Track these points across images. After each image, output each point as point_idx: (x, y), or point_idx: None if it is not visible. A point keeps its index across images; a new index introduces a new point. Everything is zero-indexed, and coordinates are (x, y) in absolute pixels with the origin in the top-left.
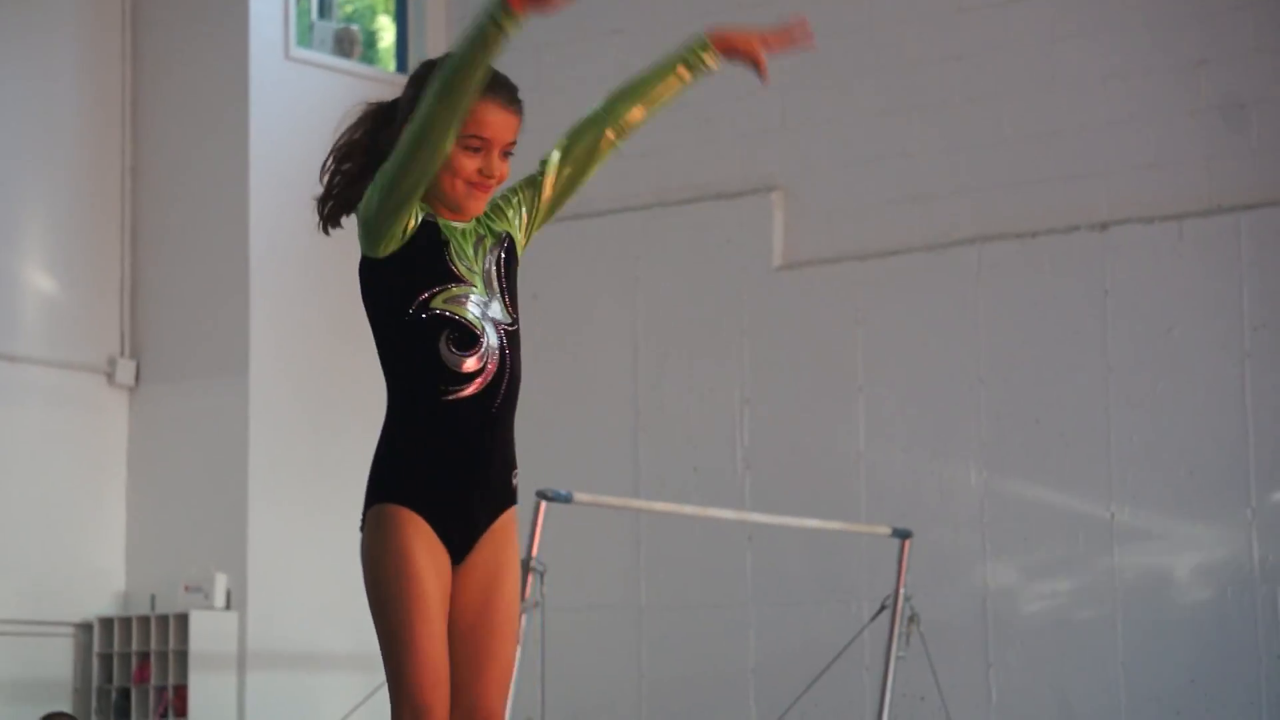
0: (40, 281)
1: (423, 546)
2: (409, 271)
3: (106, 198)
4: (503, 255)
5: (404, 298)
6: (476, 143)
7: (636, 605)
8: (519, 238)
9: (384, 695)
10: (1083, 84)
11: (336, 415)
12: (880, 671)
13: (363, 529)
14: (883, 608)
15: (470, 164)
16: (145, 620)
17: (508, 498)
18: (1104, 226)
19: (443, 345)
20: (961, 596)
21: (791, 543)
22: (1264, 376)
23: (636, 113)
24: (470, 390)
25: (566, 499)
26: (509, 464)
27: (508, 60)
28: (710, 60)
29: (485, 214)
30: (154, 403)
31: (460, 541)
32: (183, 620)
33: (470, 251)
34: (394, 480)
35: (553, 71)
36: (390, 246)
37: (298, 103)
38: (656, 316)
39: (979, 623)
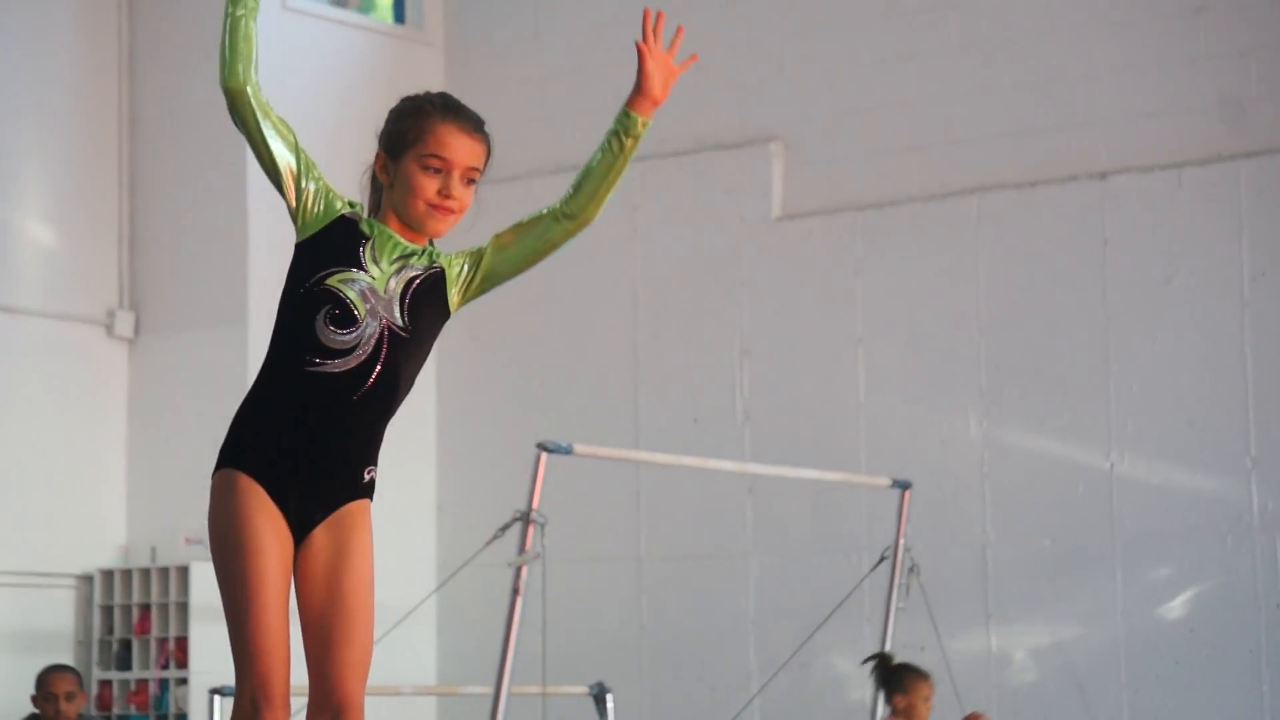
0: (39, 233)
1: (264, 516)
2: (319, 254)
3: (104, 149)
4: (424, 278)
5: (308, 272)
6: (437, 163)
7: (636, 556)
8: (453, 293)
9: (385, 646)
10: (1082, 32)
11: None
12: (880, 622)
13: (211, 494)
14: (882, 558)
15: (430, 185)
16: (146, 572)
17: (356, 490)
18: (1103, 175)
19: (320, 317)
20: (961, 547)
21: (791, 494)
22: (1264, 325)
23: (595, 206)
24: (333, 367)
25: (566, 451)
26: (364, 460)
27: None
28: (640, 119)
29: (448, 253)
30: (153, 354)
31: (298, 519)
32: (183, 572)
33: (388, 254)
34: (241, 446)
35: (550, 20)
36: (308, 229)
37: (295, 53)
38: (655, 268)
39: (979, 573)
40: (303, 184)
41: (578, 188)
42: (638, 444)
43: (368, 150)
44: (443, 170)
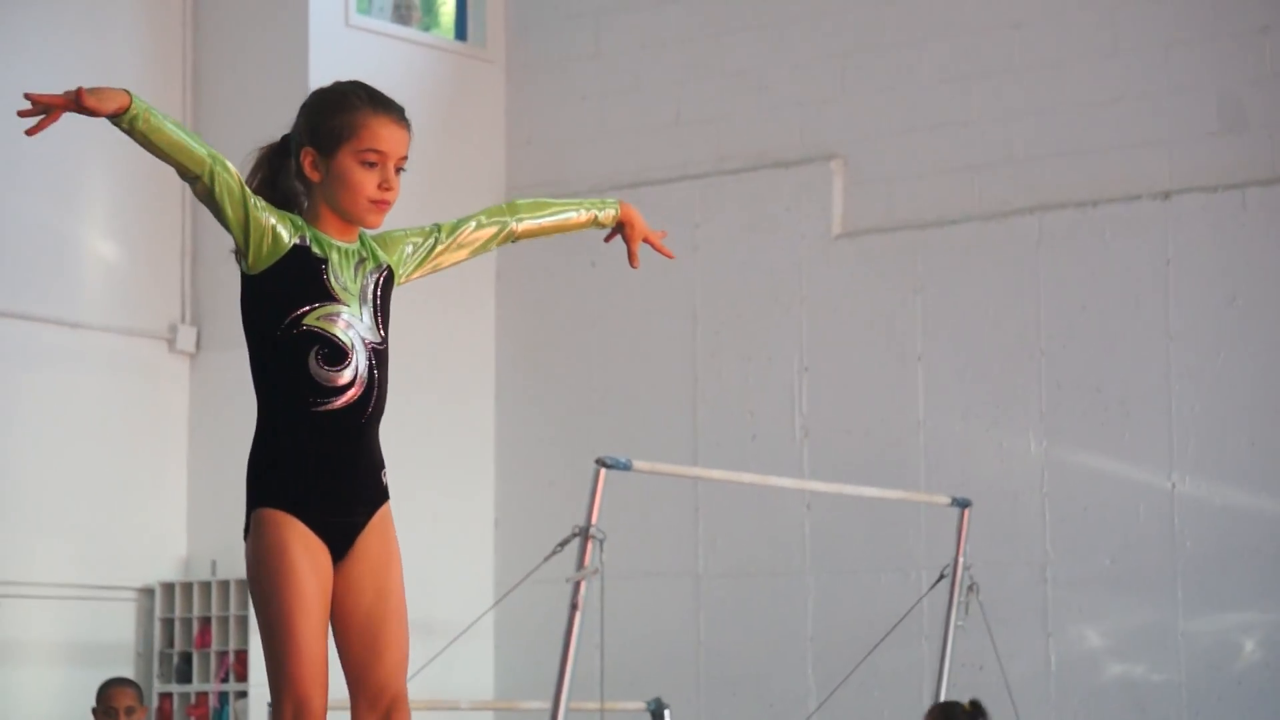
0: (102, 248)
1: (300, 546)
2: (284, 289)
3: (168, 167)
4: (380, 280)
5: (277, 314)
6: (374, 157)
7: (694, 573)
8: (398, 273)
9: (443, 661)
10: (1145, 51)
11: (391, 379)
12: (939, 641)
13: (246, 535)
14: (941, 576)
15: (370, 180)
16: (206, 585)
17: (380, 495)
18: (1166, 195)
19: (312, 360)
20: (1021, 566)
21: (850, 511)
22: None
23: (539, 229)
24: (339, 404)
25: (625, 466)
26: (377, 464)
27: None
28: (609, 223)
29: (376, 239)
30: (215, 369)
31: (339, 539)
32: (243, 586)
33: (350, 271)
34: (269, 486)
35: (612, 37)
36: (260, 264)
37: (357, 70)
38: (715, 285)
39: (1038, 592)
40: (255, 214)
41: (533, 214)
42: (696, 460)
43: (431, 165)
44: (378, 164)
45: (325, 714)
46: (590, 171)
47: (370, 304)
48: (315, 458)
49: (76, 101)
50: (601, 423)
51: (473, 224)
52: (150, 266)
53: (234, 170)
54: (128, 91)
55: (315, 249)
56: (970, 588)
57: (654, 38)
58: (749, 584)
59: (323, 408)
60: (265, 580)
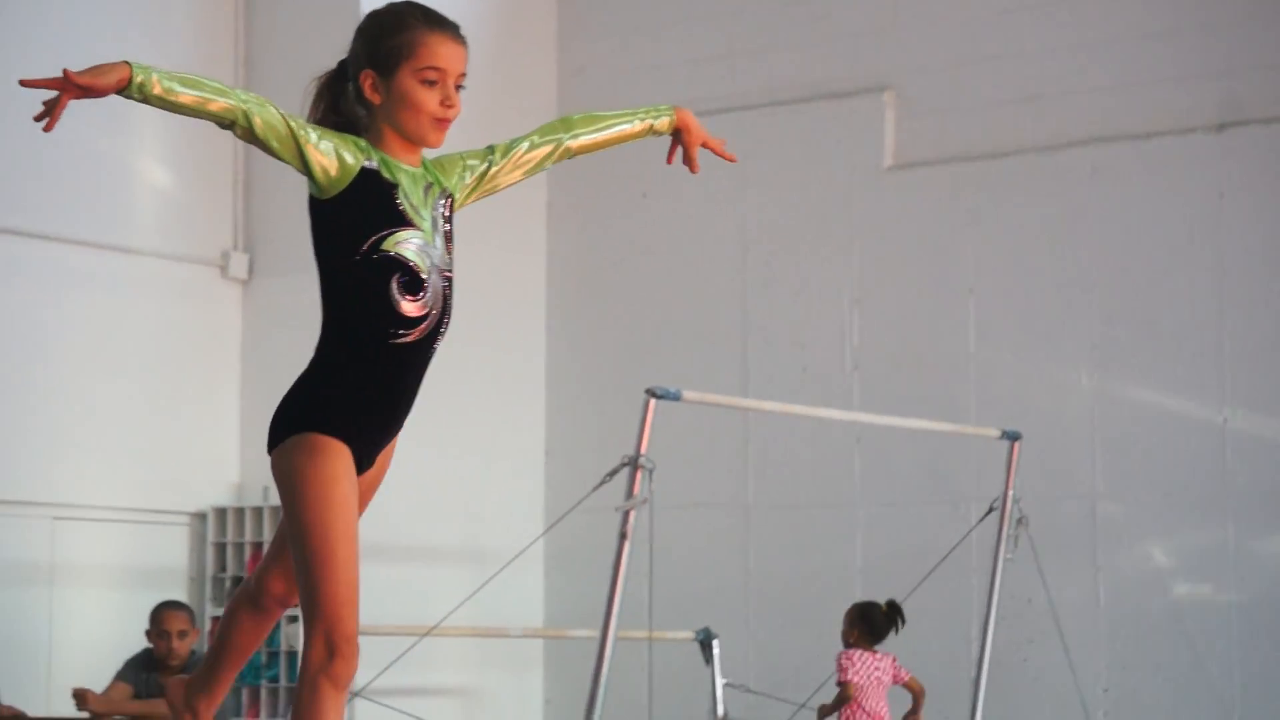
0: (155, 175)
1: (348, 479)
2: (358, 213)
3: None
4: (447, 207)
5: (353, 239)
6: (433, 74)
7: (744, 504)
8: (458, 199)
9: (493, 589)
10: None
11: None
12: (988, 574)
13: (278, 449)
14: (991, 509)
15: (431, 98)
16: (258, 510)
17: None
18: (1220, 128)
19: (393, 288)
20: (1071, 499)
21: (900, 444)
22: None
23: (595, 143)
24: (414, 335)
25: (675, 397)
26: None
27: None
28: (665, 130)
29: (434, 164)
30: (267, 295)
31: (364, 463)
32: None
33: (420, 195)
34: (326, 412)
35: None
36: (331, 189)
37: None
38: (766, 217)
39: (1088, 526)
40: (308, 147)
41: (587, 128)
42: (747, 391)
43: (483, 94)
44: (438, 81)
45: (357, 635)
46: (641, 102)
47: (440, 230)
48: (381, 389)
49: (70, 82)
50: (652, 354)
51: (526, 144)
52: (203, 194)
53: (274, 108)
54: (127, 63)
55: (385, 173)
56: (1020, 521)
57: None
58: (798, 515)
59: (400, 339)
60: (310, 508)
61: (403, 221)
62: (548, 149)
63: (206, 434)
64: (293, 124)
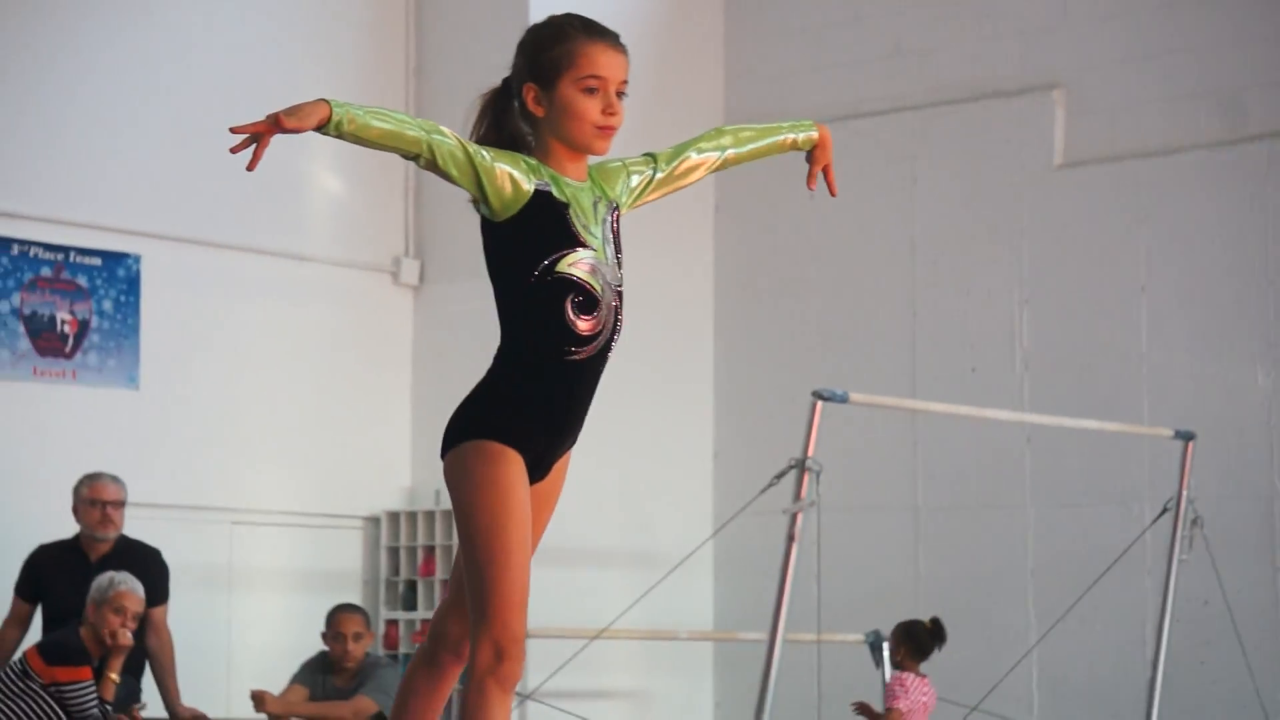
0: (328, 183)
1: (523, 485)
2: (532, 236)
3: (391, 99)
4: (616, 218)
5: (529, 261)
6: (594, 83)
7: (913, 506)
8: (623, 208)
9: (662, 591)
10: None
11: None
12: (1162, 575)
13: (452, 454)
14: (1164, 510)
15: (593, 106)
16: (430, 515)
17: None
18: None
19: (569, 309)
20: (1247, 499)
21: (1071, 444)
22: None
23: (747, 155)
24: (589, 351)
25: (843, 399)
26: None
27: None
28: (806, 146)
29: (597, 172)
30: (437, 301)
31: (537, 471)
32: None
33: (590, 212)
34: (503, 421)
35: None
36: (505, 211)
37: (579, 4)
38: (934, 217)
39: (1265, 526)
40: (485, 173)
41: (740, 141)
42: (915, 393)
43: (651, 97)
44: (600, 90)
45: (524, 641)
46: (808, 102)
47: (611, 244)
48: (555, 403)
49: (278, 124)
50: (820, 355)
51: (691, 154)
52: (374, 201)
53: (451, 135)
54: (326, 101)
55: (556, 192)
56: (1194, 521)
57: None
58: (968, 517)
59: (574, 357)
60: (484, 511)
61: (576, 242)
62: (710, 159)
63: (379, 438)
64: (469, 149)
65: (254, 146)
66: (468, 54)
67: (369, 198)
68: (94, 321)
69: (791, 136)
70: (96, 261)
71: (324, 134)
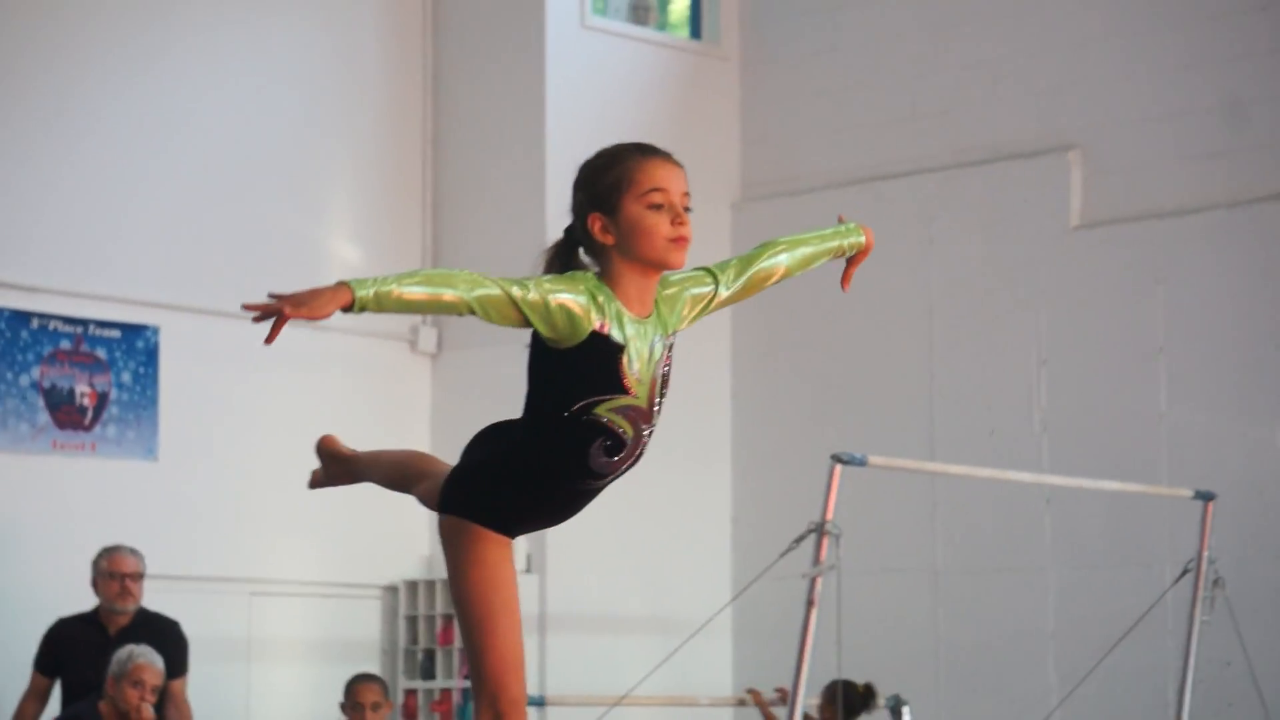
0: (345, 251)
1: (506, 562)
2: (579, 373)
3: (408, 169)
4: (668, 364)
5: (568, 394)
6: (658, 197)
7: (933, 569)
8: (681, 328)
9: (682, 656)
10: None
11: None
12: (1183, 637)
13: (448, 519)
14: (1185, 571)
15: (662, 220)
16: (448, 584)
17: None
18: None
19: (594, 451)
20: (1268, 560)
21: (1091, 505)
22: None
23: (796, 268)
24: (604, 482)
25: (861, 462)
26: None
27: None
28: (856, 250)
29: (663, 304)
30: (455, 369)
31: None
32: None
33: (645, 356)
34: (504, 513)
35: (846, 32)
36: (560, 342)
37: (594, 71)
38: (952, 278)
39: None
40: (536, 319)
41: (794, 252)
42: (933, 455)
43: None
44: (664, 203)
45: (523, 704)
46: (825, 167)
47: (658, 395)
48: (558, 508)
49: (284, 316)
50: (838, 418)
51: (761, 267)
52: (391, 269)
53: (493, 284)
54: (347, 285)
55: (615, 333)
56: (1216, 582)
57: (887, 31)
58: (988, 579)
59: (588, 485)
60: (472, 588)
61: (621, 390)
62: (775, 272)
63: (397, 507)
64: (514, 296)
65: (274, 320)
66: (484, 125)
67: (385, 265)
68: (113, 394)
69: (842, 243)
70: (115, 334)
71: (348, 313)
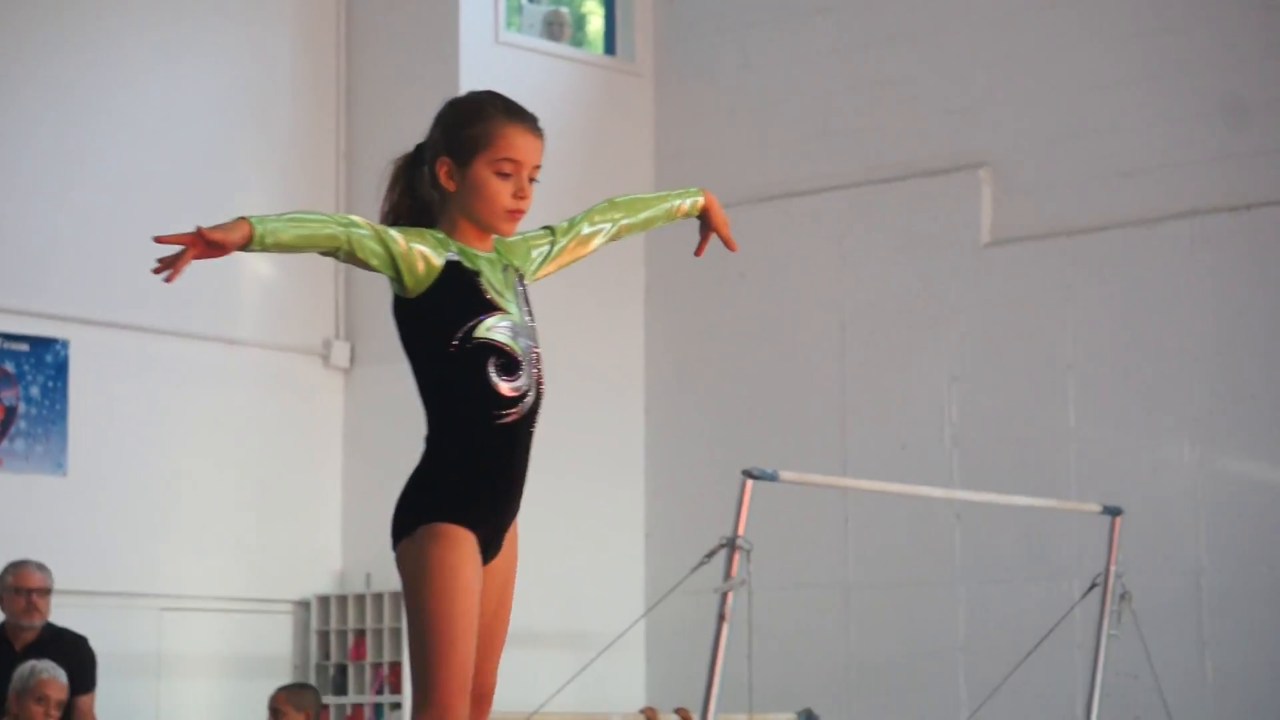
0: (257, 266)
1: (470, 566)
2: (447, 306)
3: (321, 184)
4: (525, 286)
5: (447, 330)
6: (509, 166)
7: (844, 583)
8: (528, 280)
9: (594, 671)
10: None
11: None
12: (1091, 650)
13: (403, 541)
14: (1093, 585)
15: (505, 189)
16: (361, 598)
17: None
18: None
19: (491, 372)
20: (1175, 574)
21: (1000, 520)
22: None
23: (638, 224)
24: (516, 414)
25: (772, 477)
26: (527, 469)
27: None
28: (694, 211)
29: (502, 247)
30: (368, 384)
31: (490, 548)
32: (397, 598)
33: (500, 278)
34: (444, 500)
35: (759, 50)
36: (418, 287)
37: (508, 86)
38: (864, 294)
39: (1193, 601)
40: (400, 257)
41: (632, 211)
42: (845, 470)
43: (580, 179)
44: (513, 173)
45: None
46: (739, 183)
47: (524, 309)
48: (491, 469)
49: (202, 238)
50: (751, 434)
51: (585, 226)
52: (304, 284)
53: (366, 225)
54: (246, 220)
55: (466, 262)
56: (1123, 596)
57: (801, 49)
58: (899, 594)
59: (502, 419)
60: (432, 596)
61: (491, 307)
62: (605, 229)
63: (309, 522)
64: (384, 237)
65: (173, 265)
66: (397, 139)
67: (299, 280)
68: (21, 408)
69: (679, 203)
70: (24, 347)
71: (247, 250)
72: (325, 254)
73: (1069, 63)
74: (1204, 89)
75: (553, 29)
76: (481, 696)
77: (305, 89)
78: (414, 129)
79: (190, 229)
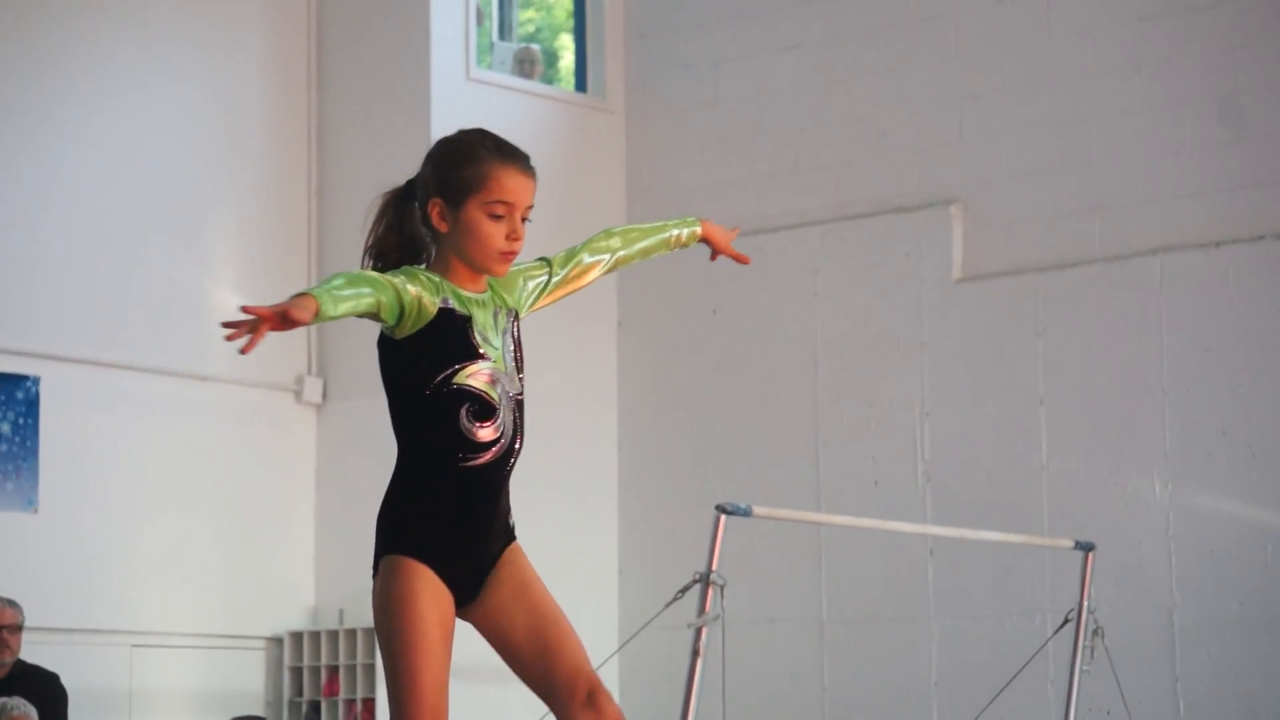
0: (230, 302)
1: (429, 596)
2: (432, 350)
3: (293, 219)
4: (517, 328)
5: (426, 374)
6: (501, 209)
7: (818, 619)
8: (523, 313)
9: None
10: (1268, 92)
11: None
12: (1065, 686)
13: (375, 575)
14: (1066, 621)
15: (498, 231)
16: (334, 634)
17: (509, 537)
18: None
19: (463, 417)
20: (1147, 610)
21: (973, 556)
22: None
23: (635, 255)
24: (486, 458)
25: (745, 513)
26: (508, 509)
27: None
28: (691, 241)
29: (496, 284)
30: (341, 420)
31: (468, 583)
32: (370, 634)
33: (490, 323)
34: (407, 534)
35: (730, 86)
36: (407, 330)
37: (479, 123)
38: (836, 330)
39: (1165, 636)
40: (411, 306)
41: (629, 242)
42: (818, 506)
43: (552, 215)
44: (506, 215)
45: None
46: (711, 219)
47: (511, 355)
48: (457, 511)
49: (283, 318)
50: (723, 469)
51: (584, 256)
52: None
53: (385, 282)
54: (313, 297)
55: (458, 306)
56: (1096, 632)
57: (772, 86)
58: (872, 629)
59: (471, 463)
60: (392, 627)
61: (474, 355)
62: (605, 260)
63: (282, 558)
64: (400, 291)
65: (250, 335)
66: (369, 175)
67: None
68: None
69: (677, 233)
70: None
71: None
72: (366, 317)
73: (1039, 99)
74: (1172, 126)
75: (524, 66)
76: (591, 689)
77: (277, 126)
78: (385, 164)
79: (271, 305)
